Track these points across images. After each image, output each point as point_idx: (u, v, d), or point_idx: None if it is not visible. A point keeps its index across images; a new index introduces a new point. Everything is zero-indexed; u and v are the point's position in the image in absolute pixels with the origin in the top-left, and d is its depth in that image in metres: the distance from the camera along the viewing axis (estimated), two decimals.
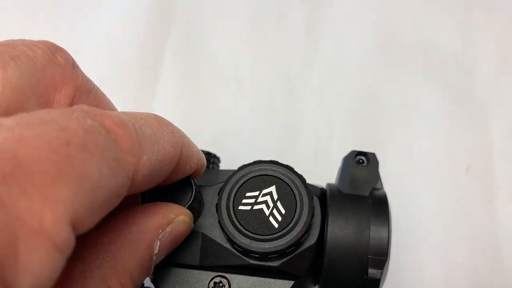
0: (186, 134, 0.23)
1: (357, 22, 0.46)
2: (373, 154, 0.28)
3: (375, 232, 0.25)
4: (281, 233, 0.24)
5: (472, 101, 0.43)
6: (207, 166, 0.30)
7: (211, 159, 0.30)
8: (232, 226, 0.24)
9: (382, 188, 0.28)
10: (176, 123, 0.43)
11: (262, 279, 0.25)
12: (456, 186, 0.39)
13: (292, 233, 0.24)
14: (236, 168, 0.28)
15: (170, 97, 0.44)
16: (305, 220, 0.24)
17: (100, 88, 0.24)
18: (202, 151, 0.30)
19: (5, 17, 0.47)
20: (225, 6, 0.47)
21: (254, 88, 0.44)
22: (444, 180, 0.40)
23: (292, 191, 0.25)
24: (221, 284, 0.25)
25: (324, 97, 0.43)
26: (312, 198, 0.24)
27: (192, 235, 0.25)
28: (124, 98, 0.44)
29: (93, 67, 0.45)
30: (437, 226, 0.38)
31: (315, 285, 0.27)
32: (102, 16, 0.47)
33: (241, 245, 0.23)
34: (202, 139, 0.42)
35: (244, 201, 0.25)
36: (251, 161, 0.28)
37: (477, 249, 0.37)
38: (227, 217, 0.24)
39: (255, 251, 0.23)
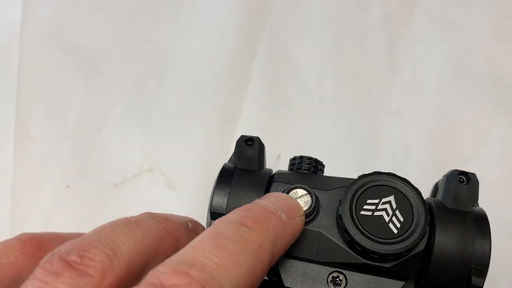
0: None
1: (434, 51, 0.49)
2: (474, 174, 0.31)
3: (478, 245, 0.28)
4: (400, 238, 0.27)
5: None
6: (316, 172, 0.33)
7: (319, 166, 0.33)
8: (355, 229, 0.27)
9: (479, 205, 0.31)
10: (261, 131, 0.47)
11: (376, 277, 0.27)
12: None
13: (410, 239, 0.26)
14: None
15: (256, 107, 0.47)
16: (422, 228, 0.27)
17: None
18: (311, 158, 0.33)
19: (106, 19, 0.51)
20: (310, 26, 0.51)
21: (335, 104, 0.47)
22: None
23: (409, 201, 0.27)
24: (339, 279, 0.28)
25: (402, 119, 0.46)
26: (427, 209, 0.27)
27: (310, 233, 0.28)
28: (216, 104, 0.47)
29: (188, 74, 0.49)
30: (508, 248, 0.40)
31: None
32: (196, 26, 0.51)
33: (364, 246, 0.26)
34: (286, 148, 0.45)
35: (365, 207, 0.27)
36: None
37: None
38: (350, 220, 0.27)
39: (376, 252, 0.26)
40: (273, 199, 0.26)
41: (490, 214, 0.41)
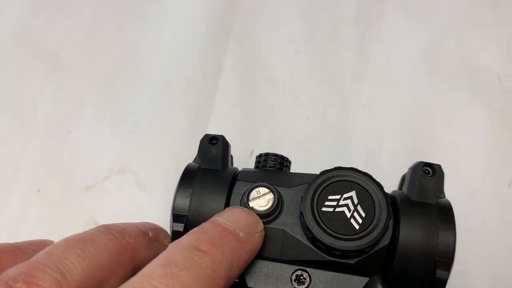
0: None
1: (406, 42, 0.49)
2: (439, 166, 0.31)
3: (442, 237, 0.28)
4: (362, 234, 0.26)
5: None
6: (281, 169, 0.33)
7: (285, 162, 0.33)
8: (317, 226, 0.26)
9: (445, 197, 0.30)
10: (234, 128, 0.46)
11: (340, 274, 0.27)
12: (499, 200, 0.42)
13: (372, 234, 0.26)
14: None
15: (228, 104, 0.47)
16: (384, 223, 0.26)
17: None
18: (276, 154, 0.33)
19: (75, 20, 0.50)
20: (282, 21, 0.50)
21: (307, 98, 0.47)
22: (488, 195, 0.42)
23: (371, 196, 0.27)
24: (302, 277, 0.27)
25: (374, 110, 0.46)
26: (389, 203, 0.27)
27: (273, 231, 0.28)
28: (187, 104, 0.47)
29: (159, 73, 0.48)
30: (481, 238, 0.40)
31: (382, 284, 0.30)
32: (165, 25, 0.50)
33: (325, 243, 0.26)
34: (259, 144, 0.45)
35: (326, 203, 0.27)
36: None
37: None
38: (312, 217, 0.27)
39: (338, 249, 0.26)
40: (231, 216, 0.26)
41: (464, 203, 0.41)
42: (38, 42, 0.49)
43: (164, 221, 0.37)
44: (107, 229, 0.24)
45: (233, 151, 0.44)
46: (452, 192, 0.42)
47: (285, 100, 0.47)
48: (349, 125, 0.45)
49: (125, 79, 0.48)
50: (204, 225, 0.25)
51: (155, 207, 0.42)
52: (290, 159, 0.44)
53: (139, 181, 0.43)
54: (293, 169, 0.34)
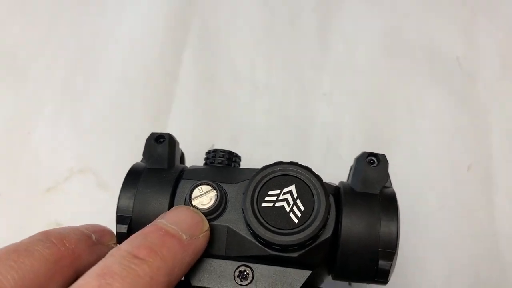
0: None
1: (366, 28, 0.49)
2: (383, 156, 0.31)
3: (385, 227, 0.28)
4: (300, 227, 0.26)
5: (474, 104, 0.45)
6: (230, 165, 0.33)
7: (233, 158, 0.33)
8: (256, 221, 0.26)
9: (391, 186, 0.30)
10: (195, 123, 0.46)
11: (282, 268, 0.27)
12: (458, 184, 0.42)
13: (310, 227, 0.26)
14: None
15: (188, 98, 0.47)
16: (322, 216, 0.26)
17: None
18: (225, 150, 0.33)
19: (30, 19, 0.50)
20: (240, 12, 0.50)
21: (268, 89, 0.47)
22: (447, 179, 0.42)
23: (310, 189, 0.27)
24: (245, 272, 0.27)
25: (334, 99, 0.46)
26: (328, 196, 0.27)
27: (218, 228, 0.28)
28: (146, 98, 0.46)
29: (117, 69, 0.48)
30: (440, 223, 0.40)
31: (329, 274, 0.30)
32: (123, 20, 0.49)
33: (265, 238, 0.26)
34: (220, 138, 0.45)
35: (266, 198, 0.27)
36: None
37: (478, 245, 0.40)
38: (251, 213, 0.27)
39: (277, 244, 0.26)
40: (175, 217, 0.26)
41: (423, 188, 0.41)
42: None
43: None
44: (45, 237, 0.24)
45: (194, 145, 0.44)
46: (411, 177, 0.43)
47: (245, 92, 0.47)
48: (309, 115, 0.45)
49: (83, 76, 0.47)
50: (145, 229, 0.25)
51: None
52: (251, 152, 0.44)
53: (100, 181, 0.43)
54: (255, 162, 0.34)
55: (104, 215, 0.42)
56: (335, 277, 0.29)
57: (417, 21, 0.48)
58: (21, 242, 0.23)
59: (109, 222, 0.37)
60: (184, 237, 0.25)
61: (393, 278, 0.37)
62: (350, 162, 0.43)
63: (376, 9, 0.49)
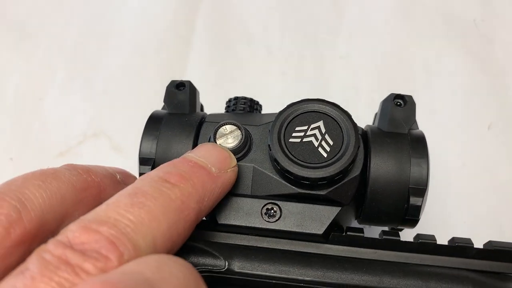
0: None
1: None
2: (410, 97, 0.30)
3: (415, 164, 0.27)
4: (330, 161, 0.25)
5: (491, 64, 0.45)
6: (251, 112, 0.32)
7: (255, 105, 0.32)
8: (284, 156, 0.26)
9: (417, 128, 0.30)
10: (209, 86, 0.45)
11: (310, 205, 0.26)
12: (479, 142, 0.41)
13: (340, 161, 0.25)
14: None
15: (202, 63, 0.46)
16: (352, 150, 0.26)
17: None
18: (246, 98, 0.32)
19: None
20: None
21: (283, 53, 0.46)
22: (468, 137, 0.41)
23: (339, 124, 0.26)
24: (273, 210, 0.27)
25: (351, 61, 0.45)
26: (358, 130, 0.26)
27: (243, 168, 0.27)
28: (160, 65, 0.46)
29: (129, 36, 0.47)
30: (462, 179, 0.40)
31: (356, 218, 0.29)
32: None
33: (293, 173, 0.25)
34: None
35: (294, 134, 0.26)
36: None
37: (499, 197, 0.39)
38: (279, 148, 0.26)
39: (306, 177, 0.25)
40: (203, 152, 0.25)
41: (444, 147, 0.41)
42: (4, 12, 0.48)
43: None
44: (72, 167, 0.23)
45: (208, 110, 0.43)
46: (431, 136, 0.42)
47: (259, 56, 0.46)
48: (326, 78, 0.45)
49: (95, 43, 0.47)
50: (175, 160, 0.24)
51: (131, 169, 0.41)
52: None
53: (113, 144, 0.42)
54: None
55: None
56: (362, 220, 0.29)
57: None
58: (48, 168, 0.22)
59: None
60: (214, 169, 0.24)
61: (417, 231, 0.36)
62: (370, 122, 0.42)
63: None
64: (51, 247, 0.17)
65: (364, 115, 0.43)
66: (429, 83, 0.44)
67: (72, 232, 0.18)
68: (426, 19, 0.46)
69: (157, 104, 0.44)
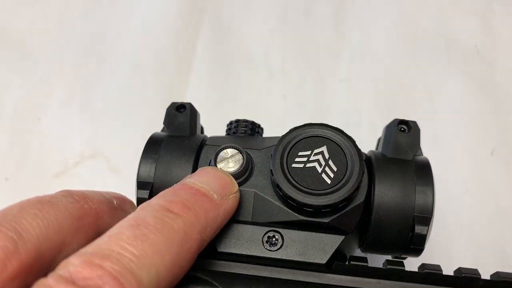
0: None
1: (382, 14, 0.48)
2: (415, 122, 0.29)
3: (420, 192, 0.26)
4: (334, 188, 0.25)
5: (493, 89, 0.44)
6: (253, 135, 0.31)
7: (256, 128, 0.32)
8: (286, 182, 0.25)
9: (422, 154, 0.29)
10: (209, 109, 0.45)
11: (313, 233, 0.26)
12: (482, 168, 0.41)
13: (344, 188, 0.25)
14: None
15: (203, 84, 0.46)
16: (356, 176, 0.25)
17: None
18: (247, 120, 0.31)
19: (42, 7, 0.49)
20: (254, 0, 0.49)
21: (284, 75, 0.46)
22: (470, 163, 0.41)
23: (343, 150, 0.26)
24: (274, 238, 0.26)
25: (352, 85, 0.45)
26: (362, 156, 0.26)
27: (244, 194, 0.26)
28: (159, 86, 0.45)
29: (129, 56, 0.47)
30: (465, 206, 0.39)
31: (359, 246, 0.28)
32: (136, 7, 0.49)
33: (296, 199, 0.25)
34: None
35: (297, 159, 0.26)
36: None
37: (503, 225, 0.38)
38: (281, 174, 0.25)
39: (309, 205, 0.25)
40: (204, 177, 0.24)
41: (447, 172, 0.40)
42: (5, 30, 0.48)
43: None
44: (68, 193, 0.23)
45: (208, 132, 0.42)
46: (435, 162, 0.41)
47: (260, 78, 0.46)
48: (326, 101, 0.44)
49: (94, 63, 0.46)
50: (175, 187, 0.23)
51: (129, 190, 0.40)
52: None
53: (111, 165, 0.42)
54: None
55: None
56: (366, 248, 0.28)
57: (435, 8, 0.48)
58: (44, 195, 0.22)
59: None
60: (215, 196, 0.23)
61: (420, 260, 0.35)
62: (372, 147, 0.41)
63: None
64: (52, 283, 0.16)
65: (366, 139, 0.42)
66: (430, 107, 0.44)
67: (74, 266, 0.17)
68: (427, 44, 0.46)
69: (157, 124, 0.44)
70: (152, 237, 0.19)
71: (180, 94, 0.45)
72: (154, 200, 0.22)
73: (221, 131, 0.43)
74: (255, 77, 0.46)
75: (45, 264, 0.19)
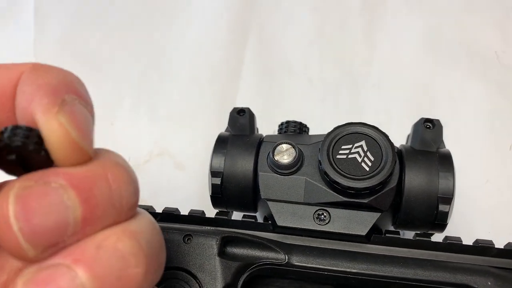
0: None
1: (409, 27, 0.54)
2: (438, 120, 0.35)
3: (443, 177, 0.32)
4: (371, 174, 0.31)
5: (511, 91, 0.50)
6: (301, 133, 0.38)
7: (303, 128, 0.38)
8: (333, 170, 0.31)
9: (445, 147, 0.35)
10: (256, 112, 0.51)
11: (355, 211, 0.32)
12: (501, 161, 0.46)
13: (380, 174, 0.31)
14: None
15: (250, 91, 0.52)
16: (390, 164, 0.31)
17: None
18: (296, 121, 0.38)
19: (111, 26, 0.57)
20: (295, 16, 0.56)
21: (321, 82, 0.52)
22: (490, 157, 0.46)
23: (378, 144, 0.32)
24: (323, 215, 0.32)
25: (382, 90, 0.51)
26: (394, 148, 0.32)
27: (297, 180, 0.33)
28: (213, 93, 0.52)
29: (188, 68, 0.54)
30: (486, 194, 0.44)
31: (392, 224, 0.34)
32: (191, 25, 0.56)
33: (341, 183, 0.31)
34: None
35: (340, 152, 0.32)
36: None
37: None
38: (328, 163, 0.31)
39: (352, 187, 0.31)
40: None
41: (469, 166, 0.46)
42: (80, 48, 0.56)
43: (201, 195, 0.43)
44: None
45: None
46: (457, 156, 0.47)
47: (301, 85, 0.52)
48: (360, 104, 0.50)
49: (157, 75, 0.54)
50: None
51: (191, 183, 0.47)
52: None
53: (176, 162, 0.49)
54: None
55: (181, 191, 0.47)
56: (398, 225, 0.34)
57: (456, 19, 0.54)
58: None
59: (186, 198, 0.43)
60: None
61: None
62: (400, 142, 0.47)
63: (417, 10, 0.55)
64: None
65: (396, 136, 0.48)
66: (453, 109, 0.49)
67: None
68: (450, 52, 0.52)
69: (213, 126, 0.51)
70: None
71: (232, 100, 0.52)
72: None
73: (267, 131, 0.50)
74: (296, 84, 0.52)
75: None
